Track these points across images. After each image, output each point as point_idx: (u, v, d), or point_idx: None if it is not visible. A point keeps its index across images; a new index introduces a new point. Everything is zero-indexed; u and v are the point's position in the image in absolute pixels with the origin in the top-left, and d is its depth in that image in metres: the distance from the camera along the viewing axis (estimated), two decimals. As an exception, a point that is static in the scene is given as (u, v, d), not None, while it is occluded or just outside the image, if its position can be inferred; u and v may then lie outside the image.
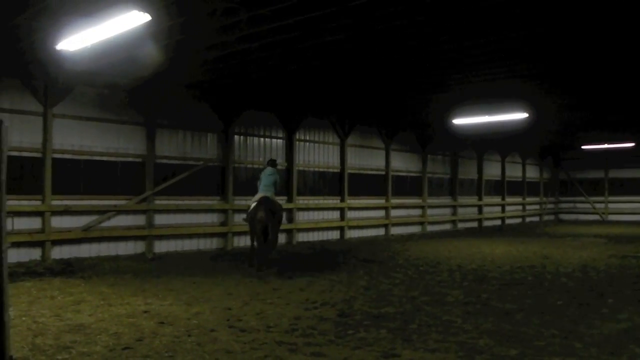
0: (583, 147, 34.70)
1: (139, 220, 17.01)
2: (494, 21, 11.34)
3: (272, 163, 15.47)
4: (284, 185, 21.18)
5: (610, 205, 38.38)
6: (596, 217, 38.68)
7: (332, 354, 6.82)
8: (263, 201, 14.15)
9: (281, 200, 20.64)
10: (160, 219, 17.43)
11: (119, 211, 16.55)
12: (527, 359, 6.63)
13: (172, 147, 17.92)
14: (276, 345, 7.19)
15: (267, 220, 13.85)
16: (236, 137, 19.72)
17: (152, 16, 9.64)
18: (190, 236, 18.15)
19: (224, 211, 19.08)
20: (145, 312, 9.11)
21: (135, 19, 9.61)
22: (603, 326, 8.27)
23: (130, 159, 16.89)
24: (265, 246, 14.16)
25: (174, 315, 8.87)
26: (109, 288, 11.28)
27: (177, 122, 18.05)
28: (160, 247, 17.35)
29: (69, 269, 13.79)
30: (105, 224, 16.26)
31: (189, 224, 18.15)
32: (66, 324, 8.17)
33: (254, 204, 14.39)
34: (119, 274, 13.25)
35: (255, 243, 14.66)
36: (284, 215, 15.53)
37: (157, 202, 17.36)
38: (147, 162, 17.11)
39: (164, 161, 17.66)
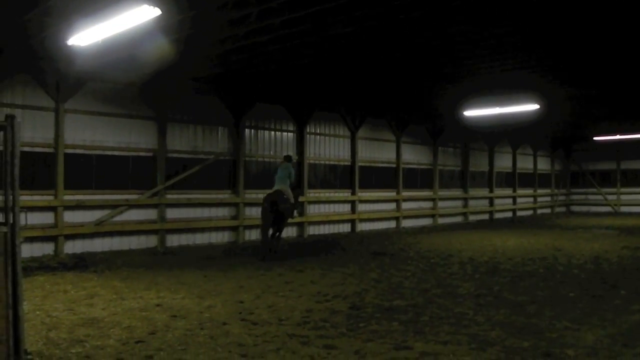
0: (595, 138, 34.52)
1: (151, 214, 17.08)
2: (506, 13, 11.29)
3: (288, 158, 16.62)
4: (296, 179, 21.18)
5: (623, 197, 38.15)
6: (608, 208, 38.46)
7: (344, 347, 6.83)
8: (270, 194, 15.30)
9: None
10: (171, 213, 17.49)
11: (131, 205, 16.63)
12: (539, 350, 6.61)
13: (183, 141, 17.97)
14: (288, 338, 7.21)
15: (270, 211, 14.96)
16: (247, 130, 19.74)
17: (162, 10, 9.66)
18: (202, 230, 18.22)
19: (235, 205, 19.12)
20: (158, 305, 9.16)
21: (145, 13, 9.63)
22: (616, 318, 8.24)
23: (141, 154, 16.95)
24: (270, 237, 15.41)
25: (187, 309, 8.91)
26: (121, 282, 11.34)
27: (188, 116, 18.10)
28: (172, 241, 17.43)
29: (81, 263, 13.87)
30: (117, 219, 16.34)
31: (200, 217, 18.21)
32: (79, 318, 8.23)
33: (270, 192, 15.56)
34: (132, 268, 13.32)
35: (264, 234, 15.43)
36: (292, 207, 15.88)
37: (169, 196, 17.43)
38: (158, 156, 17.16)
39: (175, 155, 17.71)
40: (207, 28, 12.07)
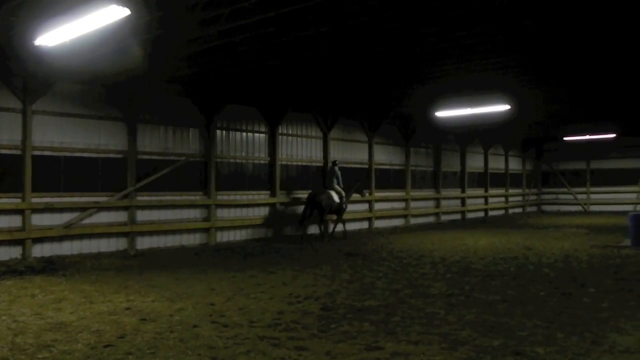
0: (565, 138, 34.99)
1: (121, 216, 16.90)
2: (478, 14, 11.35)
3: (334, 163, 21.50)
4: (267, 180, 21.15)
5: (592, 196, 38.69)
6: (578, 208, 38.97)
7: (315, 348, 6.81)
8: (322, 191, 20.34)
9: (264, 194, 20.75)
10: (142, 215, 17.33)
11: (101, 208, 16.43)
12: (509, 349, 6.65)
13: (153, 142, 17.82)
14: (259, 340, 7.16)
15: (329, 205, 19.98)
16: (218, 131, 19.64)
17: (131, 10, 9.55)
18: (173, 232, 18.08)
19: (206, 206, 19.00)
20: (128, 309, 9.05)
21: (114, 14, 9.51)
22: (584, 315, 8.33)
23: (111, 155, 16.77)
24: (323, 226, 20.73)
25: (157, 312, 8.82)
26: (90, 285, 11.19)
27: (159, 117, 17.95)
28: (143, 243, 17.26)
29: (50, 267, 13.67)
30: (86, 221, 16.15)
31: (171, 219, 18.08)
32: (47, 323, 8.10)
33: (312, 192, 20.27)
34: (101, 271, 13.16)
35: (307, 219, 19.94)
36: (326, 201, 19.95)
37: (139, 198, 17.27)
38: (128, 158, 16.99)
39: (146, 157, 17.55)
40: (177, 29, 11.96)
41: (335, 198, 20.35)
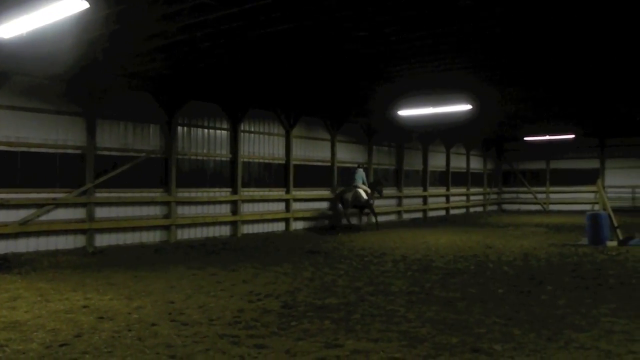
0: (525, 138, 35.55)
1: (79, 213, 16.61)
2: (439, 13, 11.40)
3: (360, 166, 25.18)
4: (229, 177, 21.03)
5: (552, 196, 39.35)
6: (538, 207, 39.60)
7: (275, 346, 6.77)
8: (349, 188, 23.59)
9: (226, 192, 20.66)
10: (101, 212, 17.06)
11: (58, 204, 16.12)
12: (468, 346, 6.71)
13: (113, 138, 17.55)
14: (218, 338, 7.11)
15: (355, 200, 23.26)
16: (179, 128, 19.44)
17: (90, 3, 9.36)
18: (132, 229, 17.83)
19: (167, 203, 18.78)
20: (85, 307, 8.91)
21: (72, 6, 9.32)
22: (542, 313, 8.45)
23: (69, 151, 16.47)
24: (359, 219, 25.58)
25: (115, 310, 8.70)
26: (47, 283, 10.99)
27: (119, 112, 17.67)
28: (102, 240, 16.99)
29: (5, 264, 13.38)
30: (43, 218, 15.82)
31: (131, 216, 17.83)
32: (0, 322, 7.91)
33: (341, 189, 24.29)
34: (58, 269, 12.94)
35: (342, 213, 23.85)
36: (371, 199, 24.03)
37: (98, 194, 16.99)
38: (87, 153, 16.70)
39: (105, 153, 17.28)
40: (137, 23, 11.78)
41: (363, 195, 23.46)
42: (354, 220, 25.50)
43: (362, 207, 24.28)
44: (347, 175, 26.82)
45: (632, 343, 6.83)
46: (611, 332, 7.35)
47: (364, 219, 26.33)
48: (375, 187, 24.89)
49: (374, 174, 28.49)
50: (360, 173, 24.42)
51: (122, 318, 8.19)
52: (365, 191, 23.78)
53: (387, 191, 29.45)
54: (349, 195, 23.07)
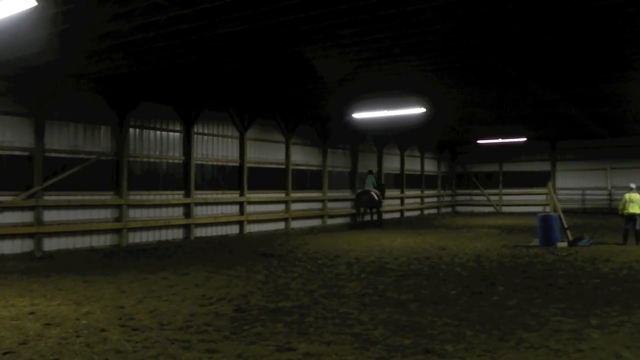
0: (478, 141, 36.02)
1: (27, 217, 16.20)
2: (393, 17, 11.45)
3: (370, 172, 29.17)
4: (182, 180, 20.80)
5: (504, 198, 40.01)
6: (491, 209, 40.22)
7: (227, 350, 6.70)
8: (365, 191, 27.62)
9: (178, 194, 20.43)
10: (50, 216, 16.67)
11: (5, 207, 15.70)
12: (420, 347, 6.74)
13: (62, 140, 17.17)
14: (169, 343, 7.00)
15: (369, 201, 27.50)
16: (131, 130, 19.13)
17: (38, 1, 9.13)
18: (82, 233, 17.46)
19: (118, 206, 18.46)
20: (31, 313, 8.68)
21: (20, 4, 9.06)
22: (493, 313, 8.55)
23: (16, 153, 16.05)
24: (370, 217, 28.37)
25: (62, 316, 8.50)
26: (-8, 289, 10.68)
27: (68, 114, 17.30)
28: (51, 244, 16.59)
29: (-52, 269, 12.99)
30: (-11, 221, 15.42)
31: (81, 220, 17.46)
32: (-59, 329, 7.66)
33: (359, 192, 28.41)
34: (4, 274, 12.59)
35: (361, 214, 28.04)
36: (380, 200, 27.94)
37: (47, 197, 16.61)
38: (35, 155, 16.31)
39: (54, 155, 16.91)
40: (88, 22, 11.55)
41: (375, 197, 27.47)
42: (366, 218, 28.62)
43: (374, 207, 28.06)
44: (302, 177, 26.84)
45: (580, 342, 6.96)
46: (560, 331, 7.48)
47: (367, 217, 28.69)
48: (381, 189, 28.90)
49: (328, 177, 28.54)
50: (371, 178, 28.39)
51: (70, 324, 8.00)
52: (376, 194, 27.59)
53: (341, 194, 29.60)
54: (366, 198, 27.39)
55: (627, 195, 18.01)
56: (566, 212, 20.59)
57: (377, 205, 27.98)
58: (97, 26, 11.88)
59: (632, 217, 17.78)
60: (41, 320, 8.20)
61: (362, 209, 28.26)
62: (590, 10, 11.20)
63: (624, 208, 17.91)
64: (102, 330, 7.67)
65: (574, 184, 37.49)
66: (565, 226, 18.14)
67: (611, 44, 13.72)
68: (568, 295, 10.05)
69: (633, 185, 18.33)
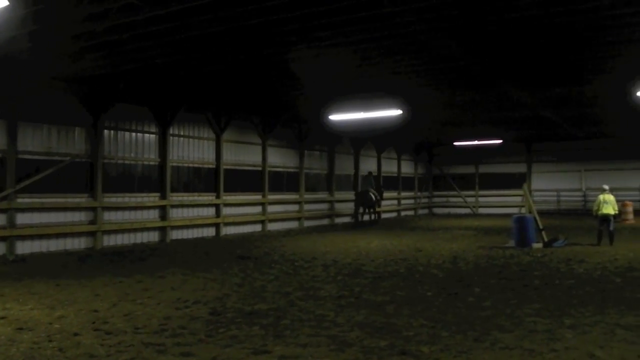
0: (455, 143, 36.23)
1: (-1, 219, 16.01)
2: (373, 19, 11.49)
3: (370, 173, 30.89)
4: (158, 182, 20.65)
5: (481, 199, 40.29)
6: (467, 210, 40.49)
7: (202, 354, 6.64)
8: (364, 192, 29.32)
9: (154, 197, 20.29)
10: (23, 218, 16.45)
11: (-23, 210, 15.50)
12: (396, 349, 6.74)
13: (36, 141, 16.96)
14: (143, 347, 6.92)
15: (368, 202, 29.10)
16: (106, 131, 18.94)
17: (10, 1, 9.01)
18: (56, 236, 17.26)
19: (92, 209, 18.27)
20: (3, 318, 8.54)
21: (-10, 3, 8.95)
22: (468, 314, 8.58)
23: (-12, 155, 15.86)
24: (369, 216, 30.03)
25: (35, 320, 8.37)
26: (-38, 293, 10.50)
27: (42, 115, 17.08)
28: (24, 248, 16.38)
29: None
30: (-40, 225, 15.19)
31: (55, 223, 17.25)
32: None
33: (359, 192, 30.09)
34: (-24, 277, 12.40)
35: (360, 213, 29.52)
36: (378, 200, 30.13)
37: (20, 200, 16.39)
38: (7, 157, 16.09)
39: (27, 157, 16.69)
40: (62, 23, 11.44)
41: (373, 198, 29.33)
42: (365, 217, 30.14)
43: (372, 207, 29.71)
44: (279, 179, 26.78)
45: (554, 342, 7.00)
46: (534, 331, 7.52)
47: (365, 216, 30.18)
48: (379, 190, 30.83)
49: (305, 179, 28.53)
50: (370, 180, 30.23)
51: (43, 328, 7.89)
52: (374, 194, 29.47)
53: (318, 195, 29.60)
54: (368, 198, 29.09)
55: (601, 197, 18.21)
56: (541, 213, 20.78)
57: (375, 205, 29.66)
58: (71, 26, 11.77)
59: (607, 218, 17.97)
60: (13, 325, 8.07)
61: (361, 209, 29.42)
62: (560, 15, 11.38)
63: (598, 209, 18.09)
64: (75, 334, 7.56)
65: (549, 186, 37.92)
66: (541, 227, 18.28)
67: (579, 48, 13.99)
68: (543, 295, 10.12)
69: (606, 187, 18.55)
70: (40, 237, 16.84)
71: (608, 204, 17.99)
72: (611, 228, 17.92)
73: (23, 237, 16.39)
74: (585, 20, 11.84)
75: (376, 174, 33.85)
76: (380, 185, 32.43)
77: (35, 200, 16.79)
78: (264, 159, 25.78)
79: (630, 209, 28.22)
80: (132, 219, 19.62)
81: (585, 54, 14.68)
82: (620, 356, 6.44)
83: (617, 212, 18.45)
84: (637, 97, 18.78)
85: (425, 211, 41.50)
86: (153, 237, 20.35)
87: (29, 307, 9.36)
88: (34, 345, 7.02)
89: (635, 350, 6.63)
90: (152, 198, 20.44)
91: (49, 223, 17.11)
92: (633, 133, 31.76)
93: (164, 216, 20.71)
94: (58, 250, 17.16)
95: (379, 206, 30.67)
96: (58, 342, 7.19)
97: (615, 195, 18.63)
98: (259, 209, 25.48)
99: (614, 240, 17.83)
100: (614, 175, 34.06)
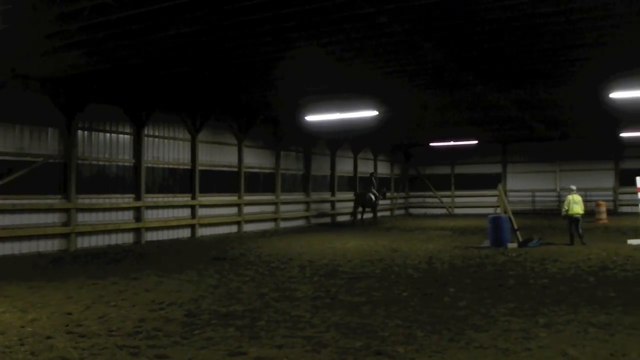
0: (431, 144, 36.43)
1: (-30, 221, 15.77)
2: (348, 20, 11.51)
3: (372, 174, 32.95)
4: (132, 183, 20.49)
5: (456, 200, 40.60)
6: (443, 210, 40.75)
7: (177, 355, 6.59)
8: (364, 192, 31.21)
9: (129, 198, 20.13)
10: (-7, 221, 16.25)
11: (-53, 212, 15.25)
12: (371, 349, 6.74)
13: (7, 142, 16.73)
14: (117, 350, 6.85)
15: (368, 202, 30.65)
16: (80, 132, 18.76)
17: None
18: (29, 238, 17.04)
19: (66, 210, 18.06)
20: (-27, 321, 8.41)
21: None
22: (444, 314, 8.60)
23: (-42, 156, 15.61)
24: (368, 217, 31.63)
25: (6, 324, 8.24)
26: None
27: (13, 115, 16.84)
28: (-6, 250, 16.17)
29: None
30: None
31: (27, 224, 17.03)
32: None
33: (358, 192, 32.18)
34: (-55, 280, 12.20)
35: (359, 212, 31.30)
36: (377, 200, 31.14)
37: (-9, 201, 16.18)
38: (-22, 158, 15.88)
39: (-1, 157, 16.49)
40: (34, 21, 11.29)
41: (372, 198, 30.65)
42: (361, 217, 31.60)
43: (371, 206, 30.95)
44: (255, 180, 26.72)
45: (528, 341, 7.05)
46: (509, 330, 7.57)
47: (365, 216, 31.82)
48: (381, 191, 31.91)
49: (281, 180, 28.49)
50: (373, 181, 31.89)
51: (15, 332, 7.77)
52: (374, 194, 30.85)
53: (294, 196, 29.57)
54: (367, 198, 30.53)
55: (569, 197, 18.39)
56: (516, 213, 20.97)
57: (374, 205, 30.83)
58: (44, 25, 11.61)
59: (577, 218, 18.14)
60: (-17, 329, 7.96)
61: (360, 208, 30.97)
62: (531, 17, 11.52)
63: (568, 209, 18.24)
64: (48, 337, 7.46)
65: (524, 186, 38.32)
66: (515, 227, 18.42)
67: (549, 51, 14.21)
68: (517, 295, 10.18)
69: (574, 187, 18.78)
70: (12, 239, 16.61)
71: (577, 204, 18.18)
72: (580, 228, 18.09)
73: (-6, 240, 16.18)
74: (555, 24, 11.99)
75: (377, 175, 35.49)
76: (382, 186, 33.57)
77: (7, 201, 16.56)
78: (240, 159, 25.70)
79: (603, 208, 28.52)
80: (106, 221, 19.44)
81: (556, 57, 14.88)
82: (592, 354, 6.50)
83: (584, 212, 18.64)
84: (609, 99, 19.01)
85: (402, 212, 41.64)
86: (128, 238, 20.18)
87: (1, 310, 9.22)
88: (5, 349, 6.91)
89: (607, 348, 6.70)
90: (126, 199, 20.28)
91: (21, 225, 16.89)
92: (606, 134, 32.15)
93: (138, 217, 20.55)
94: (31, 253, 16.95)
95: (377, 205, 31.66)
96: (30, 345, 7.09)
97: (589, 196, 18.83)
98: (234, 210, 25.39)
99: (584, 240, 18.01)
100: (588, 176, 34.58)
